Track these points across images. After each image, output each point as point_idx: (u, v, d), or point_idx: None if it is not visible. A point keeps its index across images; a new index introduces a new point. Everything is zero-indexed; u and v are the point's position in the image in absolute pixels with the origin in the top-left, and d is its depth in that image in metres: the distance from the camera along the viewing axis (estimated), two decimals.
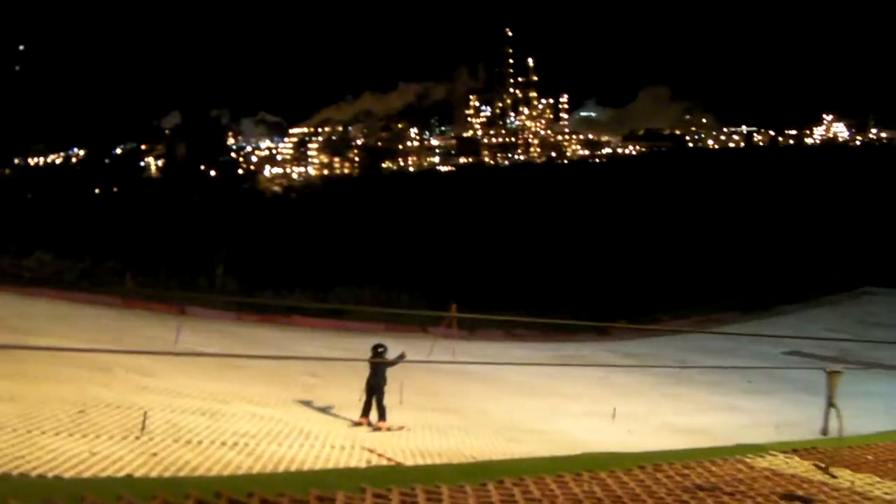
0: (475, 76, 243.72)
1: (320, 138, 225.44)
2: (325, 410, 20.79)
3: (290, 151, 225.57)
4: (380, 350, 20.70)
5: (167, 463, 11.92)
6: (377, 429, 19.26)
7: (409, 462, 14.34)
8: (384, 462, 14.20)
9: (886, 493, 8.62)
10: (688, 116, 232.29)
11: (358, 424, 19.56)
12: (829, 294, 64.55)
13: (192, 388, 20.94)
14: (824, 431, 17.00)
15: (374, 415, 19.51)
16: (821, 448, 10.84)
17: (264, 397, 21.51)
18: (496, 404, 25.47)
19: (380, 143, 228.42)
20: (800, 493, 8.07)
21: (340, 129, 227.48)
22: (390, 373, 20.37)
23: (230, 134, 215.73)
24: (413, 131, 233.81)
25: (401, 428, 19.62)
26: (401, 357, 20.23)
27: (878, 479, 9.31)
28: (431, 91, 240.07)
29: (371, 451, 15.58)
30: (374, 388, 19.87)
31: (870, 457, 10.75)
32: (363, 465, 13.70)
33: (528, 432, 21.59)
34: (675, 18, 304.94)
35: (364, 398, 19.99)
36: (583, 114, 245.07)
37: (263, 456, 13.77)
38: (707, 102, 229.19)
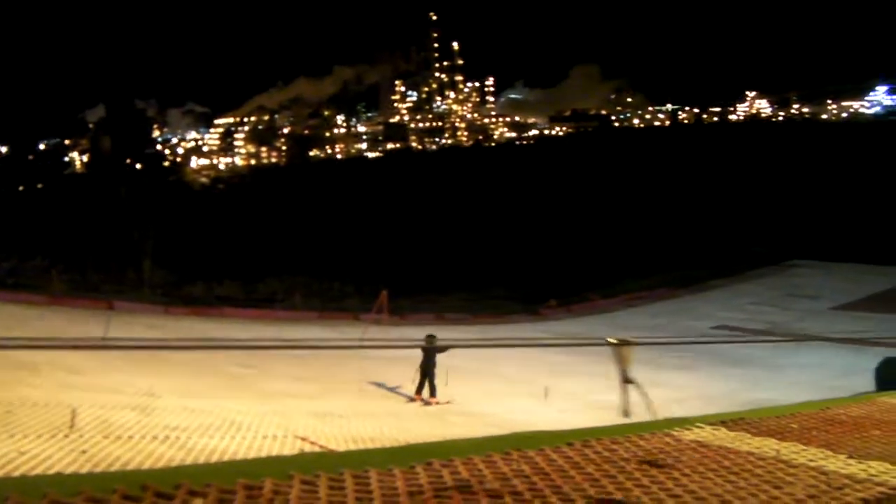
0: (403, 61, 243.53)
1: (247, 128, 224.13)
2: (257, 400, 20.72)
3: (217, 142, 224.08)
4: (431, 337, 24.03)
5: (97, 459, 11.81)
6: (428, 403, 23.28)
7: (343, 449, 14.33)
8: (317, 450, 14.18)
9: (811, 460, 8.78)
10: (613, 96, 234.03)
11: (412, 401, 23.75)
12: (756, 268, 65.39)
13: (122, 383, 20.77)
14: (625, 413, 17.09)
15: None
16: (748, 419, 11.00)
17: (195, 390, 21.41)
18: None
19: (307, 131, 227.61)
20: (726, 462, 8.19)
21: (267, 117, 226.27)
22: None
23: (156, 126, 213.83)
24: (340, 118, 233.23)
25: (448, 402, 23.52)
26: (447, 348, 23.85)
27: (802, 447, 9.46)
28: (366, 75, 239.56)
29: (304, 439, 15.56)
30: (427, 371, 23.89)
31: (795, 426, 10.92)
32: (295, 453, 13.67)
33: (462, 415, 21.71)
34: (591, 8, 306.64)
35: (418, 379, 24.05)
36: (511, 96, 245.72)
37: (195, 448, 13.69)
38: (636, 81, 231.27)
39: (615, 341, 21.12)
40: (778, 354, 36.08)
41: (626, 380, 24.04)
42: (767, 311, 50.26)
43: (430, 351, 23.76)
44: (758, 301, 53.80)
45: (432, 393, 23.77)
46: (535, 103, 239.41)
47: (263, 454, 13.70)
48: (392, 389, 25.49)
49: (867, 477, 8.32)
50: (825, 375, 31.04)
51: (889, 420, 12.37)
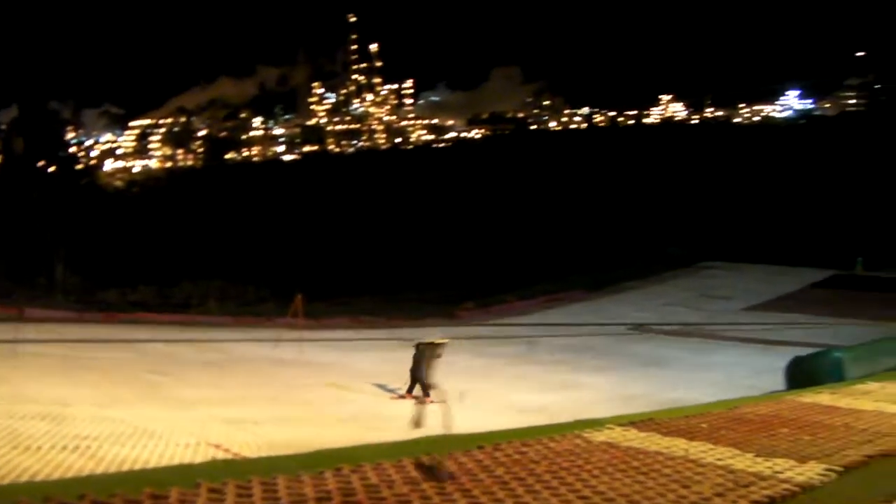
0: (323, 62, 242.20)
1: (162, 130, 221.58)
2: (170, 408, 20.47)
3: (132, 144, 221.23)
4: (420, 345, 25.17)
5: (4, 472, 11.57)
6: (422, 402, 22.61)
7: (256, 455, 14.21)
8: (230, 457, 14.05)
9: (719, 459, 8.90)
10: (529, 99, 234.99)
11: (402, 398, 24.83)
12: (670, 269, 66.21)
13: (33, 392, 20.39)
14: (417, 423, 17.15)
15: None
16: (658, 419, 11.11)
17: (109, 398, 21.05)
18: (346, 393, 25.42)
19: (223, 134, 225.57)
20: (636, 463, 8.25)
21: (183, 119, 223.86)
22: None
23: (70, 128, 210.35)
24: (257, 120, 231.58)
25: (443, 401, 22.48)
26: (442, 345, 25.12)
27: (711, 446, 9.59)
28: (288, 76, 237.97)
29: (217, 446, 15.39)
30: (416, 372, 24.95)
31: (704, 425, 11.07)
32: (207, 461, 13.52)
33: (377, 419, 21.62)
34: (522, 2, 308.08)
35: (411, 380, 25.19)
36: (431, 98, 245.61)
37: (105, 458, 13.44)
38: (555, 84, 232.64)
39: (430, 341, 21.19)
40: (694, 354, 36.58)
41: (423, 386, 24.34)
42: (681, 312, 50.94)
43: (420, 356, 24.87)
44: (672, 302, 54.51)
45: (426, 391, 24.35)
46: (455, 105, 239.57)
47: (176, 462, 13.53)
48: (308, 394, 25.34)
49: (773, 474, 8.45)
50: (739, 375, 31.45)
51: (796, 418, 12.59)
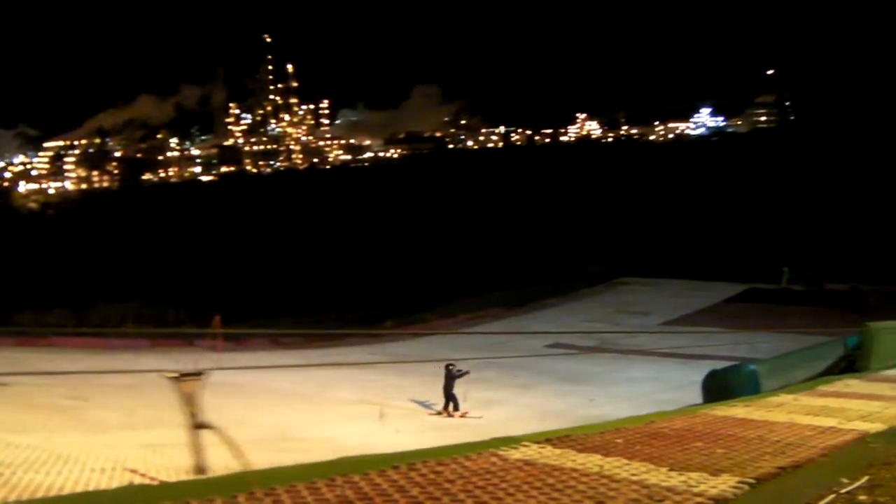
0: (239, 82, 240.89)
1: (77, 151, 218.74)
2: (87, 433, 20.17)
3: (46, 166, 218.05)
4: (449, 366, 28.24)
5: None
6: (450, 415, 27.32)
7: (174, 480, 14.02)
8: (146, 482, 13.86)
9: (633, 474, 8.93)
10: (446, 119, 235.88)
11: (439, 414, 27.69)
12: (589, 286, 66.66)
13: None
14: (200, 469, 16.46)
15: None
16: (573, 436, 11.15)
17: (22, 424, 20.71)
18: (265, 415, 25.25)
19: (139, 155, 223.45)
20: (550, 480, 8.29)
21: (98, 140, 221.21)
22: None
23: None
24: (173, 141, 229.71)
25: (464, 414, 27.70)
26: (466, 373, 28.46)
27: (626, 461, 9.62)
28: (205, 96, 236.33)
29: (134, 471, 15.21)
30: (448, 391, 28.08)
31: (619, 440, 11.10)
32: (123, 486, 13.32)
33: (297, 441, 21.53)
34: (441, 22, 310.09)
35: (444, 399, 28.11)
36: (349, 118, 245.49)
37: (18, 485, 13.23)
38: (474, 103, 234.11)
39: (175, 375, 20.91)
40: (612, 370, 36.86)
41: (198, 425, 24.05)
42: (600, 328, 51.24)
43: (450, 376, 28.10)
44: (591, 318, 54.83)
45: (456, 408, 27.81)
46: (374, 125, 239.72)
47: (91, 488, 13.33)
48: (227, 417, 25.06)
49: (687, 488, 8.51)
50: (657, 389, 31.80)
51: (710, 431, 12.70)
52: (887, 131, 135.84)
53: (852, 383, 21.13)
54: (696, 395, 25.86)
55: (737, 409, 16.06)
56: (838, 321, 47.75)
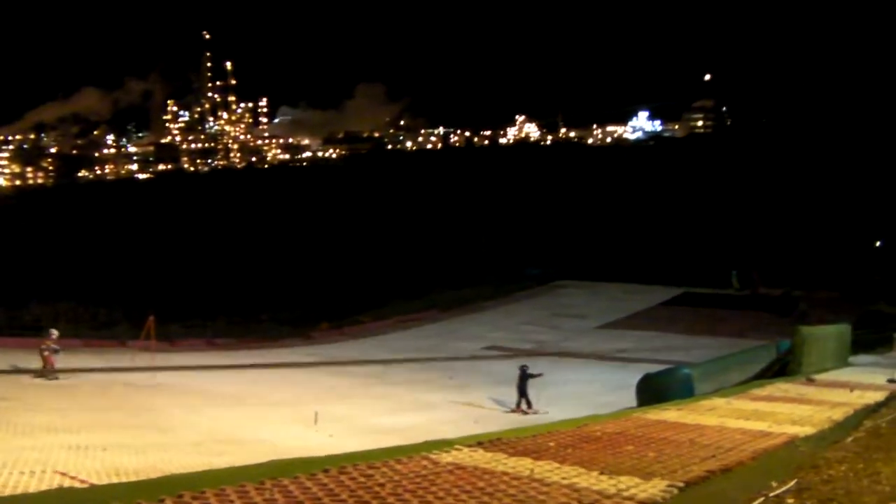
0: (178, 79, 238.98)
1: (11, 147, 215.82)
2: (15, 435, 19.81)
3: None
4: (524, 367, 29.99)
5: None
6: (525, 413, 28.37)
7: (105, 482, 13.82)
8: (76, 485, 13.65)
9: (563, 478, 8.97)
10: (387, 119, 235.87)
11: (513, 412, 28.67)
12: (525, 289, 66.85)
13: None
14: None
15: None
16: (505, 439, 11.17)
17: None
18: (199, 417, 24.95)
19: (75, 151, 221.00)
20: (481, 483, 8.28)
21: (33, 136, 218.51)
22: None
23: None
24: (110, 138, 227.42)
25: (543, 412, 28.08)
26: (540, 374, 30.03)
27: (557, 465, 9.66)
28: (152, 90, 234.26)
29: (63, 474, 14.96)
30: (522, 389, 29.32)
31: (552, 444, 11.15)
32: (52, 488, 13.11)
33: (230, 443, 21.29)
34: (384, 22, 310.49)
35: (517, 396, 29.32)
36: (287, 116, 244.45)
37: None
38: (416, 104, 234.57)
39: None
40: (549, 372, 36.89)
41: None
42: (537, 331, 51.40)
43: (524, 374, 29.50)
44: (527, 321, 54.96)
45: (529, 405, 28.91)
46: (314, 124, 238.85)
47: (20, 491, 13.09)
48: (160, 419, 24.80)
49: (617, 492, 8.57)
50: (592, 392, 31.93)
51: (641, 435, 12.80)
52: (820, 138, 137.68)
53: (783, 387, 21.43)
54: (630, 398, 26.02)
55: (669, 413, 16.21)
56: (771, 325, 48.52)
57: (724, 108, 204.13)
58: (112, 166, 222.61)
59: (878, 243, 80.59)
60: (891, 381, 25.59)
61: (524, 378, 29.40)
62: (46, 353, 30.30)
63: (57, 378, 29.70)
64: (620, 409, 22.41)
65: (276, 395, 29.90)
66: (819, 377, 24.29)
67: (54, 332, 31.46)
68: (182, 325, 50.31)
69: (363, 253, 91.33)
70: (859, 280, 65.88)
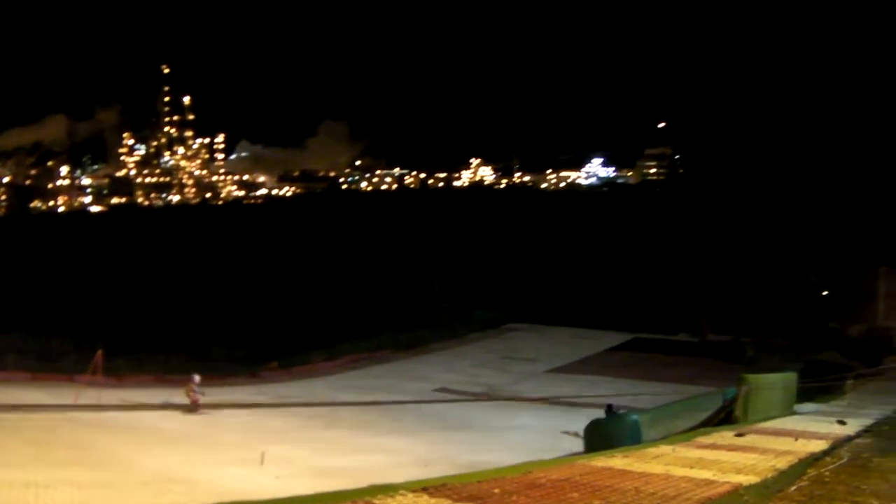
0: (136, 113, 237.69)
1: None
2: None
3: None
4: (611, 405, 31.22)
5: None
6: None
7: None
8: None
9: None
10: (342, 158, 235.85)
11: None
12: (476, 331, 66.99)
13: None
14: None
15: None
16: (450, 484, 11.19)
17: None
18: (146, 455, 24.71)
19: (28, 182, 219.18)
20: None
21: None
22: None
23: None
24: (64, 169, 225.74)
25: None
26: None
27: None
28: (108, 122, 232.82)
29: None
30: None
31: (497, 490, 11.19)
32: None
33: (176, 483, 21.12)
34: (345, 63, 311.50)
35: None
36: (245, 153, 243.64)
37: None
38: (376, 143, 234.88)
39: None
40: (496, 416, 36.92)
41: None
42: (486, 374, 51.49)
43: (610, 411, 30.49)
44: (477, 364, 55.05)
45: None
46: (272, 162, 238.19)
47: None
48: (106, 455, 24.55)
49: None
50: (540, 437, 31.92)
51: (587, 483, 12.85)
52: (770, 187, 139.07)
53: (729, 435, 21.58)
54: (578, 443, 26.10)
55: (615, 460, 16.28)
56: (719, 372, 48.87)
57: (677, 156, 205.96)
58: (65, 198, 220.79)
59: (813, 279, 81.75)
60: (840, 422, 26.00)
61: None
62: (193, 394, 35.00)
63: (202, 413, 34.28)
64: (567, 454, 22.48)
65: (223, 434, 29.71)
66: (764, 425, 24.48)
67: (197, 377, 35.98)
68: (132, 359, 49.96)
69: (315, 292, 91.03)
70: (808, 328, 66.63)
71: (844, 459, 17.74)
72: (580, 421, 28.89)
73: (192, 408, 34.56)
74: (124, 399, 36.34)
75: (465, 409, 39.17)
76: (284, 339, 61.65)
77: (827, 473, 15.97)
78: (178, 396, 36.25)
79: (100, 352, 36.33)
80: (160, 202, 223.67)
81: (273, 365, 52.34)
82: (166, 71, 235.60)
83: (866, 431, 23.61)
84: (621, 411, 29.37)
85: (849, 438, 21.53)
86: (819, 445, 19.59)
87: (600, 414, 29.65)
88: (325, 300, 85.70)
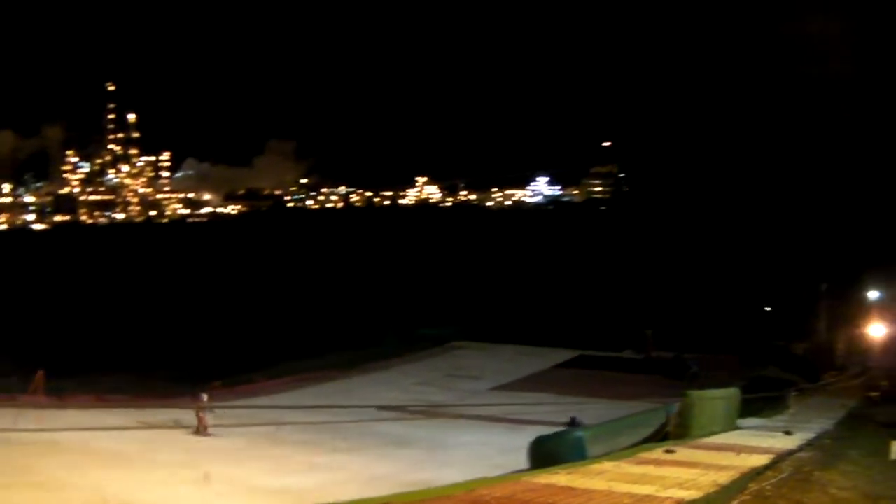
0: (80, 130, 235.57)
1: None
2: None
3: None
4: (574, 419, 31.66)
5: None
6: None
7: None
8: None
9: None
10: (288, 177, 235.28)
11: None
12: (421, 349, 66.82)
13: None
14: None
15: None
16: (394, 503, 11.13)
17: None
18: (86, 476, 24.40)
19: None
20: None
21: None
22: None
23: None
24: (6, 187, 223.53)
25: None
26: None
27: None
28: (51, 139, 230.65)
29: None
30: None
31: None
32: None
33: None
34: (292, 83, 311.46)
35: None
36: (191, 171, 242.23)
37: None
38: (322, 162, 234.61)
39: None
40: (441, 434, 36.79)
41: None
42: (431, 392, 51.35)
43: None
44: (422, 382, 54.88)
45: None
46: (220, 180, 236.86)
47: None
48: (42, 478, 24.16)
49: None
50: (485, 454, 31.82)
51: (530, 500, 12.83)
52: (714, 205, 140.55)
53: (672, 450, 21.66)
54: (523, 460, 26.07)
55: (559, 477, 16.28)
56: (663, 388, 49.12)
57: (622, 174, 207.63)
58: (7, 216, 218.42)
59: (767, 309, 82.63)
60: (787, 433, 26.28)
61: None
62: (201, 414, 34.61)
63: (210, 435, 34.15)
64: (512, 471, 22.43)
65: (165, 454, 29.36)
66: (707, 440, 24.62)
67: (205, 396, 37.30)
68: (73, 379, 49.31)
69: (260, 310, 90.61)
70: (752, 344, 67.23)
71: (786, 474, 17.88)
72: (525, 438, 28.88)
73: (200, 430, 34.46)
74: (64, 419, 35.83)
75: (410, 427, 39.01)
76: (229, 359, 61.18)
77: (768, 488, 16.08)
78: (119, 415, 35.83)
79: (41, 372, 35.88)
80: (104, 220, 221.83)
81: (216, 385, 51.78)
82: (111, 88, 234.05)
83: (808, 445, 23.84)
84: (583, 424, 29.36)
85: (790, 452, 21.70)
86: (761, 460, 19.72)
87: (545, 431, 29.59)
88: (270, 319, 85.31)
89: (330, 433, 35.59)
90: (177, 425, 36.16)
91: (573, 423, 30.85)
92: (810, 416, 35.38)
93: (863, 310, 66.00)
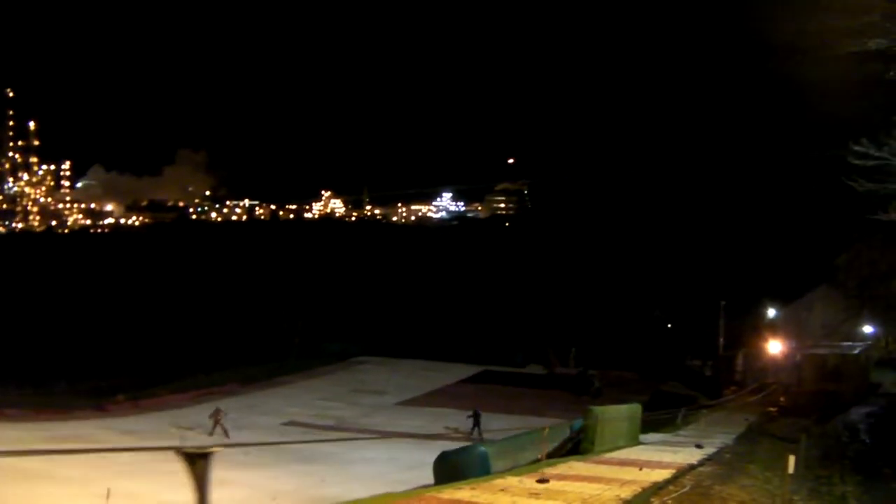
0: None
1: None
2: None
3: None
4: (478, 412, 35.51)
5: None
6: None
7: None
8: None
9: None
10: (191, 188, 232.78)
11: None
12: (324, 364, 66.68)
13: None
14: None
15: None
16: None
17: None
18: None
19: None
20: None
21: None
22: None
23: None
24: None
25: None
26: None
27: None
28: None
29: None
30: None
31: None
32: None
33: None
34: (202, 92, 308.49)
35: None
36: (94, 182, 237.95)
37: None
38: (231, 176, 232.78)
39: None
40: (346, 450, 36.74)
41: None
42: (336, 407, 51.28)
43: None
44: (326, 397, 54.80)
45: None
46: (126, 190, 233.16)
47: None
48: None
49: None
50: (391, 470, 31.87)
51: None
52: (618, 223, 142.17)
53: (575, 465, 21.90)
54: (428, 476, 26.12)
55: (463, 493, 16.37)
56: (567, 404, 49.62)
57: (526, 192, 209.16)
58: None
59: (656, 313, 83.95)
60: (698, 446, 26.78)
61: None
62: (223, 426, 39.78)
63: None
64: (416, 486, 22.48)
65: (66, 470, 28.87)
66: (610, 455, 24.93)
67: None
68: None
69: (162, 325, 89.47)
70: (653, 360, 68.21)
71: (687, 488, 18.17)
72: (430, 453, 28.94)
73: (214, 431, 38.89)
74: None
75: (313, 443, 38.93)
76: (131, 372, 60.38)
77: (670, 502, 16.34)
78: (19, 430, 35.22)
79: None
80: (3, 229, 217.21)
81: (119, 398, 51.11)
82: (10, 95, 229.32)
83: (708, 460, 24.24)
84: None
85: (692, 467, 22.05)
86: (663, 475, 20.01)
87: (450, 446, 29.70)
88: (174, 332, 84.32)
89: (233, 447, 35.28)
90: (81, 441, 35.66)
91: (475, 415, 34.10)
92: (711, 431, 35.95)
93: (761, 327, 67.27)
